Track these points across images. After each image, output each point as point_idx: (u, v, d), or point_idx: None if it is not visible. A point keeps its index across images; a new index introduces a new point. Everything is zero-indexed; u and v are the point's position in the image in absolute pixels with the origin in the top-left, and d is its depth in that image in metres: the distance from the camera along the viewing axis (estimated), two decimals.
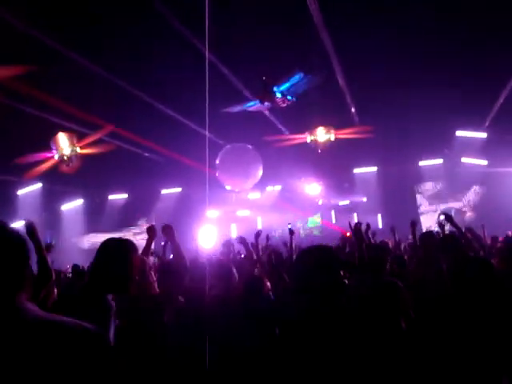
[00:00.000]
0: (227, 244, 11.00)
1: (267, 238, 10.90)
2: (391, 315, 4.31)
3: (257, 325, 5.07)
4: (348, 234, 10.68)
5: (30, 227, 4.86)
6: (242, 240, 8.37)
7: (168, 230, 5.71)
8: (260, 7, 10.95)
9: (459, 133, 20.57)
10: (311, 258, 3.77)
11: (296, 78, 13.48)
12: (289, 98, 14.35)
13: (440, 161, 22.99)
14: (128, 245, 4.00)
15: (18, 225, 23.43)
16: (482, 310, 4.13)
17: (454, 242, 6.32)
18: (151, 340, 4.61)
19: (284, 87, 13.97)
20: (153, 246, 6.61)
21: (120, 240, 4.11)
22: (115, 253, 3.92)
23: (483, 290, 4.22)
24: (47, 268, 4.81)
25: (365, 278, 5.51)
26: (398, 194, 22.05)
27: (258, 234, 8.86)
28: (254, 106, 15.01)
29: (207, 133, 6.68)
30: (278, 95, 14.18)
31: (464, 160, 22.00)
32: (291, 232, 8.70)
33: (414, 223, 8.91)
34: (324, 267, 3.66)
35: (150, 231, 6.25)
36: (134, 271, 3.91)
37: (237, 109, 15.03)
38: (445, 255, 6.08)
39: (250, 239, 8.83)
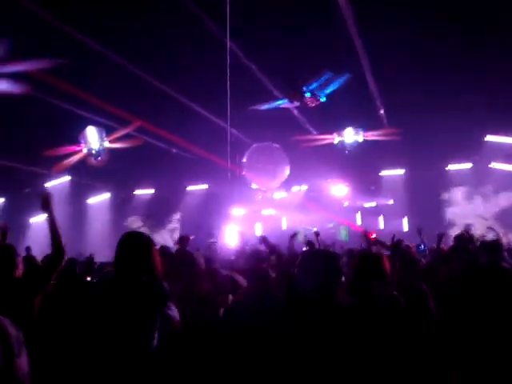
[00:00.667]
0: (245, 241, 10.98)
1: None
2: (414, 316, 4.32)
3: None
4: (374, 236, 10.61)
5: (45, 199, 4.89)
6: (263, 240, 8.13)
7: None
8: (290, 5, 10.95)
9: (489, 137, 20.33)
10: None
11: (325, 77, 13.46)
12: (318, 98, 14.32)
13: (469, 165, 22.71)
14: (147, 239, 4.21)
15: (45, 216, 23.76)
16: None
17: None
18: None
19: (313, 87, 13.94)
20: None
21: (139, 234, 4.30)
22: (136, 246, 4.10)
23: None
24: (59, 245, 4.82)
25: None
26: (425, 198, 21.84)
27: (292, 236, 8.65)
28: (282, 104, 15.01)
29: (229, 128, 6.69)
30: (308, 95, 14.16)
31: (493, 165, 21.76)
32: (317, 234, 8.81)
33: (441, 235, 8.96)
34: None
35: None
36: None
37: (265, 106, 15.02)
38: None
39: (274, 238, 8.80)
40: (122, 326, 3.97)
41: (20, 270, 4.90)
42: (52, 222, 4.86)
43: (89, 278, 6.73)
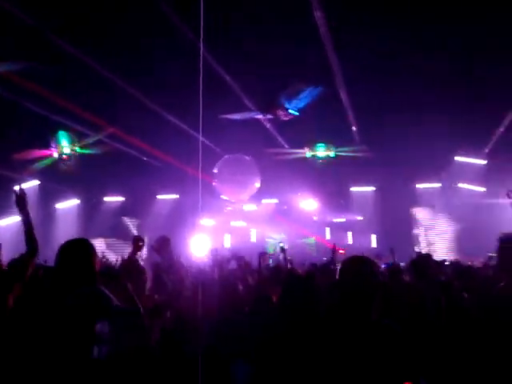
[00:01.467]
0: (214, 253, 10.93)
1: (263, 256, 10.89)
2: None
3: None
4: (341, 251, 10.71)
5: (18, 195, 4.84)
6: (237, 258, 8.35)
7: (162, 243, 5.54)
8: (265, 18, 11.00)
9: (458, 158, 20.56)
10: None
11: (299, 91, 13.51)
12: (291, 112, 14.36)
13: (438, 185, 22.95)
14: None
15: (12, 220, 23.41)
16: None
17: None
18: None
19: (286, 100, 13.99)
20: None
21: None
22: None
23: None
24: (35, 242, 4.81)
25: None
26: (394, 215, 21.99)
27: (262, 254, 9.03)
28: (254, 115, 15.04)
29: (200, 137, 6.64)
30: (281, 108, 14.20)
31: (461, 185, 22.01)
32: (282, 250, 8.97)
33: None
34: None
35: (137, 242, 5.97)
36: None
37: (236, 116, 15.03)
38: None
39: (243, 250, 8.96)
40: (57, 337, 3.91)
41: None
42: (27, 219, 4.84)
43: None
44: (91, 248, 4.35)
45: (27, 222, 4.86)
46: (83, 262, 4.17)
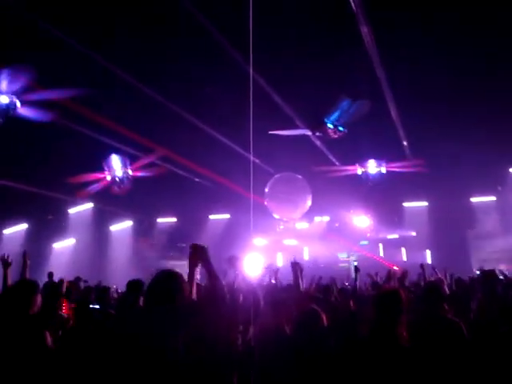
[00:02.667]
0: (269, 268, 10.95)
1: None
2: None
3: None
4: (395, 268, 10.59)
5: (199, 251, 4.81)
6: (294, 265, 8.13)
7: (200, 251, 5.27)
8: (313, 35, 11.02)
9: None
10: None
11: (344, 105, 13.45)
12: (340, 129, 14.31)
13: (493, 198, 22.48)
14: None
15: (68, 242, 23.80)
16: None
17: None
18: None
19: (334, 117, 13.95)
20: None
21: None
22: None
23: None
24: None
25: None
26: (448, 230, 21.64)
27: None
28: (304, 132, 15.05)
29: (251, 157, 6.64)
30: (330, 126, 14.16)
31: None
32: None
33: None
34: None
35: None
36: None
37: (287, 133, 15.03)
38: None
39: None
40: None
41: (36, 308, 4.94)
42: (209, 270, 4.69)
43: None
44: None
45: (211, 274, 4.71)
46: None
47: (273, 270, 10.29)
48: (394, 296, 4.74)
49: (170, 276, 4.37)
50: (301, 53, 11.64)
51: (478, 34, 11.02)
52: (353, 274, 9.08)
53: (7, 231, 23.78)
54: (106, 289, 10.24)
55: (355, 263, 10.36)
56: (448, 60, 11.89)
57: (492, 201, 22.57)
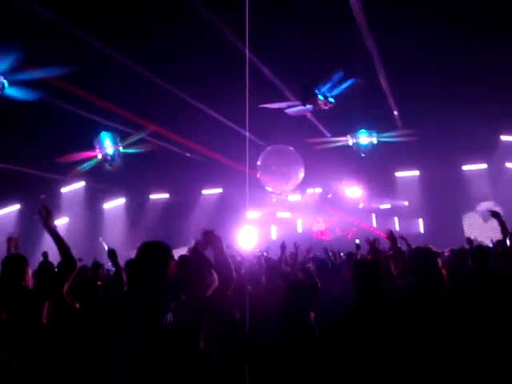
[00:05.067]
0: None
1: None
2: None
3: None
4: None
5: (43, 211, 4.94)
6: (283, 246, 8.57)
7: (210, 236, 5.41)
8: (302, 8, 10.93)
9: (504, 137, 20.17)
10: None
11: (336, 78, 13.43)
12: (331, 100, 14.28)
13: (484, 166, 22.52)
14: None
15: (61, 222, 23.83)
16: None
17: None
18: None
19: (325, 88, 13.91)
20: None
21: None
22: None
23: None
24: (69, 255, 4.93)
25: None
26: (440, 199, 21.73)
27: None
28: (295, 109, 14.98)
29: (247, 133, 6.63)
30: (320, 97, 14.12)
31: (509, 165, 21.58)
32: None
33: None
34: None
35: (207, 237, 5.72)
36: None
37: (276, 105, 14.97)
38: None
39: (290, 241, 9.07)
40: None
41: (29, 280, 4.98)
42: (55, 235, 4.92)
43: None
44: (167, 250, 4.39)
45: (58, 239, 4.95)
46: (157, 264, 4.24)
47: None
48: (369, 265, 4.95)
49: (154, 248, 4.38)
50: (291, 26, 11.56)
51: (468, 2, 10.97)
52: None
53: None
54: (99, 265, 10.34)
55: (357, 241, 10.52)
56: (436, 29, 11.82)
57: (483, 168, 22.60)
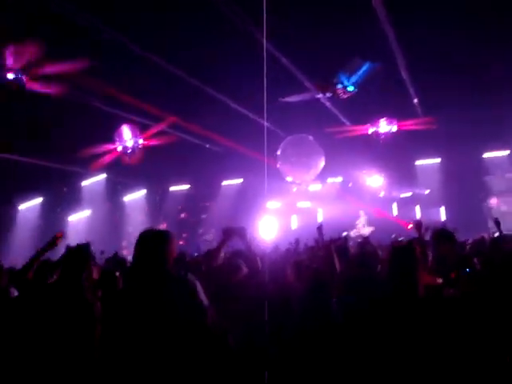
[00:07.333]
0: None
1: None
2: None
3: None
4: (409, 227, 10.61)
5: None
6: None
7: (231, 232, 5.51)
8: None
9: None
10: None
11: (354, 65, 13.38)
12: (349, 89, 14.23)
13: (506, 152, 22.31)
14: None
15: (83, 214, 23.96)
16: None
17: None
18: None
19: (343, 77, 13.88)
20: None
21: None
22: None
23: None
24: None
25: None
26: (461, 186, 21.55)
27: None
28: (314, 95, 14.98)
29: (265, 123, 6.65)
30: (339, 86, 14.09)
31: None
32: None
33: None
34: None
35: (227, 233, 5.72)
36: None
37: (296, 98, 14.96)
38: None
39: (311, 230, 8.98)
40: None
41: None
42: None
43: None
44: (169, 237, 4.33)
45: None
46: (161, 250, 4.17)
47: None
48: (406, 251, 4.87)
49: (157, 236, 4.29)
50: (309, 16, 11.53)
51: None
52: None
53: (23, 206, 24.01)
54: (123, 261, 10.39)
55: (345, 233, 10.50)
56: (460, 18, 11.73)
57: (505, 156, 22.40)
